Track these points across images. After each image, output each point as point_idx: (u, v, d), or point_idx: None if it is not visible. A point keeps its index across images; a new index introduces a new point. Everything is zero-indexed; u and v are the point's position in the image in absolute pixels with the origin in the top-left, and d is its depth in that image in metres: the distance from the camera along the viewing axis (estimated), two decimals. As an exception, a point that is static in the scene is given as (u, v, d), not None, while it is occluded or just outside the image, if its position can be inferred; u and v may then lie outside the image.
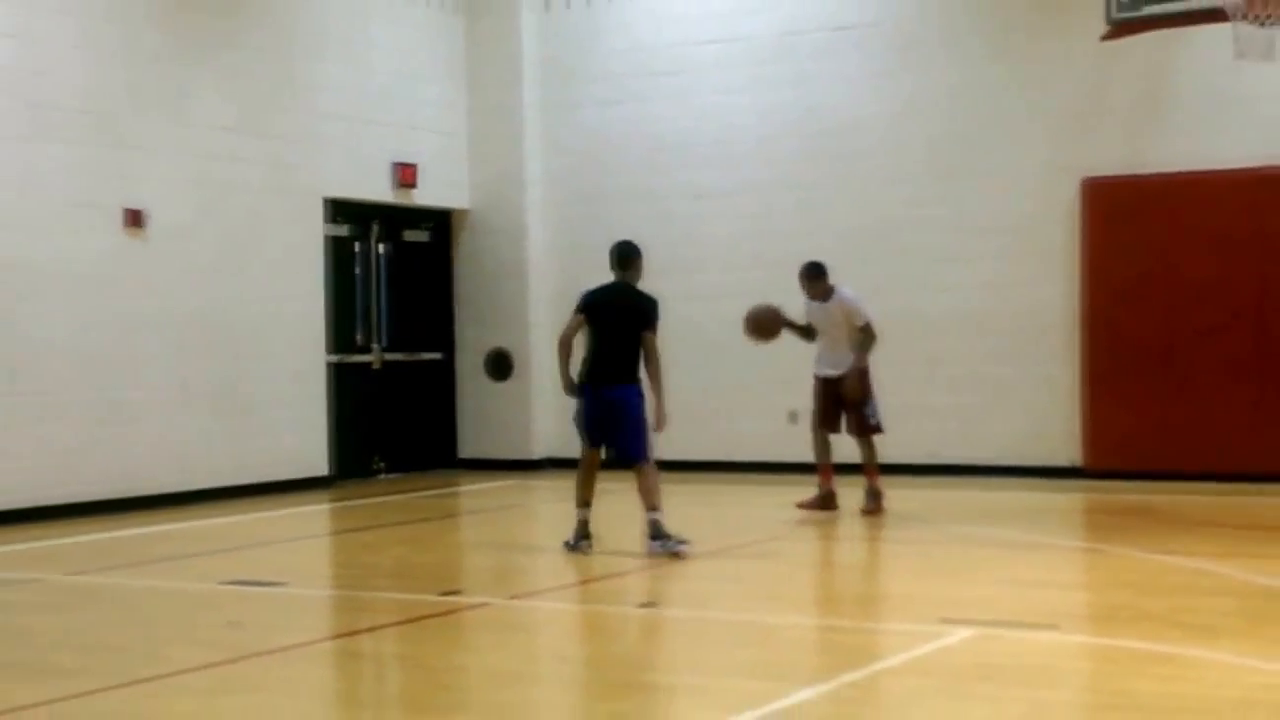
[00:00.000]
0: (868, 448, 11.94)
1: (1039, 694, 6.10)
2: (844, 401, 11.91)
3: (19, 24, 12.51)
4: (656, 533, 9.83)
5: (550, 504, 14.12)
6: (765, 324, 11.84)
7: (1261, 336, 13.60)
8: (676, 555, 9.67)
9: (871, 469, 11.92)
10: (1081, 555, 10.39)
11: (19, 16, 12.50)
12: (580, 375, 10.14)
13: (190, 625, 8.20)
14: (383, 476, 16.00)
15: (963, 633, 7.13)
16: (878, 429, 11.92)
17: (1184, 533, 10.70)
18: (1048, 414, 14.35)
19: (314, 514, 13.48)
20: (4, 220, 12.33)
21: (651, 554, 9.74)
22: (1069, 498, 13.10)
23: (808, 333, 12.14)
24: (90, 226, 13.04)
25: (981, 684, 6.23)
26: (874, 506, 11.78)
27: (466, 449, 16.86)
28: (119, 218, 13.24)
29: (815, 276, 12.10)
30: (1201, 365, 13.76)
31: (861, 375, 11.88)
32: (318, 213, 15.20)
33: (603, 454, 10.24)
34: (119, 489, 13.04)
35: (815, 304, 12.07)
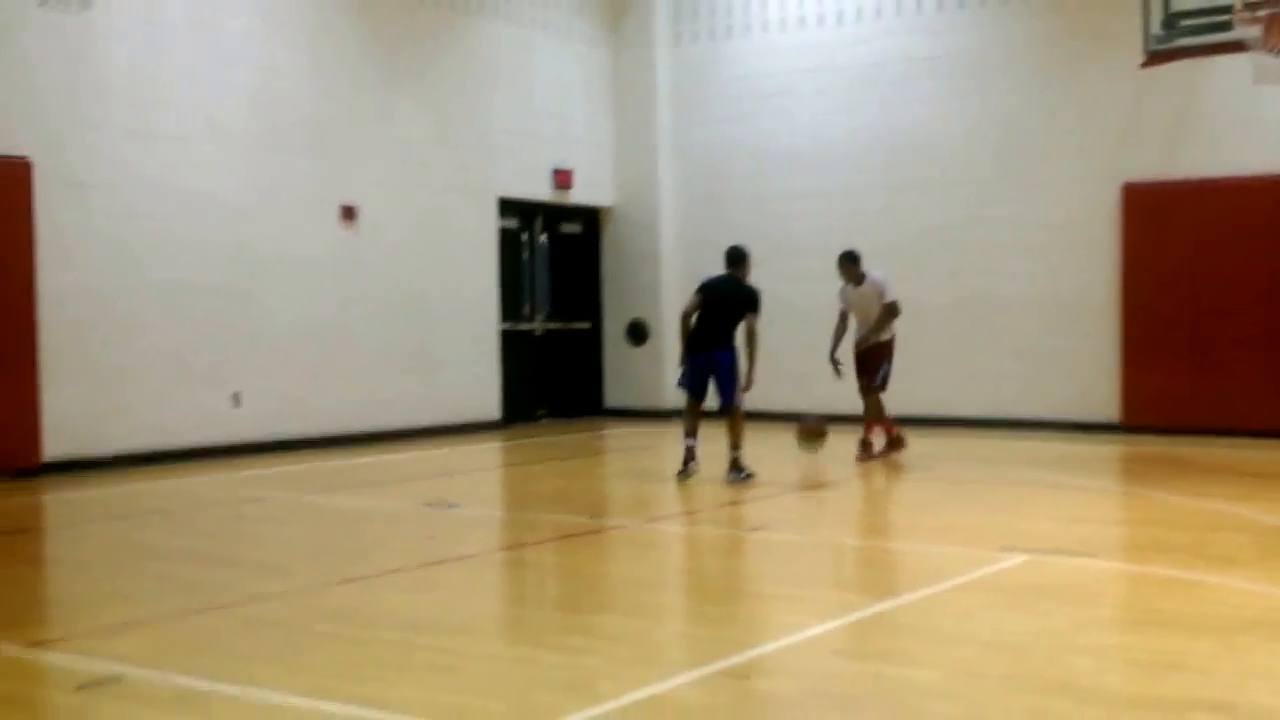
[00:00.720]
0: (870, 404, 11.67)
1: (1081, 610, 6.01)
2: (864, 364, 11.66)
3: (262, 58, 12.70)
4: (735, 466, 10.21)
5: (677, 446, 14.13)
6: (813, 432, 11.39)
7: (1273, 316, 13.23)
8: (746, 483, 10.05)
9: (869, 421, 11.69)
10: (1118, 497, 10.19)
11: (262, 52, 12.71)
12: (686, 343, 10.51)
13: (393, 537, 8.34)
14: (543, 421, 16.10)
15: (1017, 558, 7.04)
16: (879, 388, 11.61)
17: (1206, 479, 10.44)
18: (1092, 378, 14.08)
19: (488, 450, 13.60)
20: (245, 215, 12.56)
21: (730, 482, 10.10)
22: (1108, 449, 12.84)
23: (836, 368, 11.89)
24: (313, 220, 13.25)
25: (1033, 600, 6.15)
26: (863, 455, 11.54)
27: (610, 400, 16.92)
28: (336, 213, 13.43)
29: (851, 263, 11.81)
30: (1222, 339, 13.41)
31: (880, 345, 11.58)
32: (492, 209, 15.30)
33: (704, 404, 10.54)
34: (337, 428, 13.26)
35: (850, 287, 11.79)
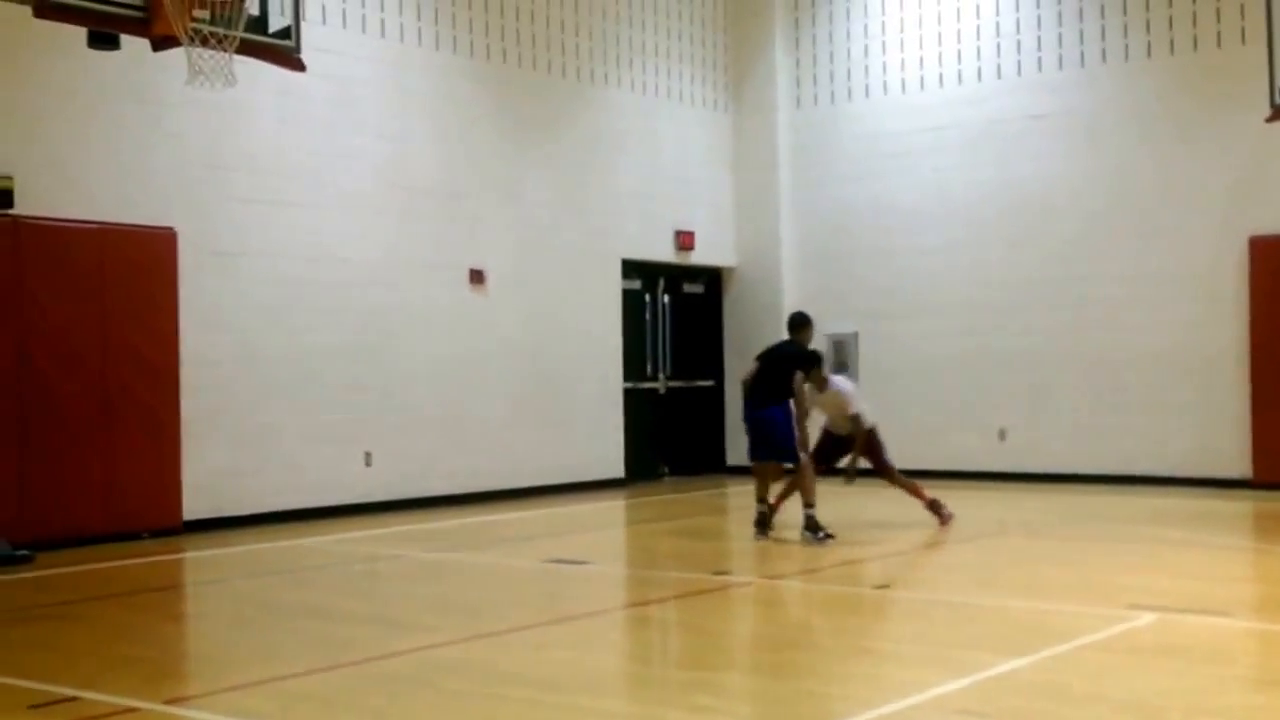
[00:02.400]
0: (899, 482, 11.06)
1: (1214, 670, 5.82)
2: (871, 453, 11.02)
3: (394, 128, 13.06)
4: (809, 525, 9.99)
5: (799, 504, 14.03)
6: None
7: None
8: (823, 544, 9.78)
9: (915, 492, 11.05)
10: (1250, 554, 9.87)
11: (395, 122, 13.06)
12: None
13: (520, 593, 8.41)
14: (666, 478, 16.13)
15: (1147, 617, 6.85)
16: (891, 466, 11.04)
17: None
18: (1219, 433, 13.68)
19: (612, 507, 13.66)
20: (379, 278, 12.86)
21: (805, 543, 9.90)
22: (1240, 505, 12.44)
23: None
24: (443, 282, 13.52)
25: (1165, 660, 5.98)
26: (943, 519, 10.84)
27: (733, 457, 16.84)
28: (465, 275, 13.69)
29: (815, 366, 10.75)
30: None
31: (871, 431, 10.95)
32: (616, 270, 15.46)
33: (773, 464, 10.59)
34: (465, 485, 13.44)
35: (814, 392, 10.77)
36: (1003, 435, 14.85)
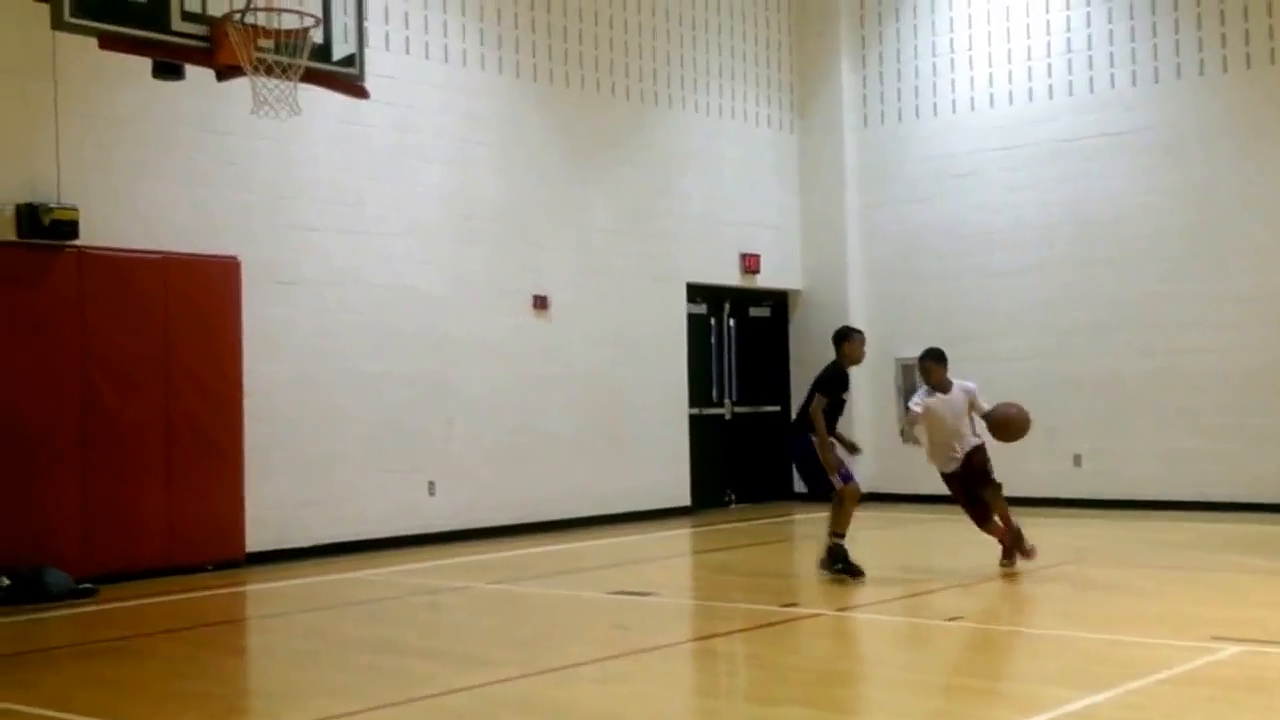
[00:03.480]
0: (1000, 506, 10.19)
1: (1307, 708, 5.69)
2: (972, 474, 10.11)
3: (455, 154, 13.16)
4: (831, 555, 9.69)
5: (871, 531, 13.91)
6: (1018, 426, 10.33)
7: None
8: (840, 580, 9.49)
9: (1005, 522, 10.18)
10: (1342, 584, 9.63)
11: (458, 148, 13.15)
12: None
13: (585, 626, 8.40)
14: (732, 506, 16.07)
15: (1232, 649, 6.71)
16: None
17: None
18: (1304, 457, 13.44)
19: (678, 536, 13.61)
20: (441, 305, 12.94)
21: (820, 577, 9.67)
22: (1327, 532, 12.18)
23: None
24: (506, 309, 13.58)
25: (1251, 695, 5.84)
26: (1010, 559, 10.00)
27: (800, 484, 16.75)
28: (528, 302, 13.74)
29: (938, 363, 10.40)
30: None
31: (980, 447, 10.23)
32: (681, 294, 15.46)
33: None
34: (528, 514, 13.45)
35: (930, 392, 10.29)
36: (1078, 461, 14.64)
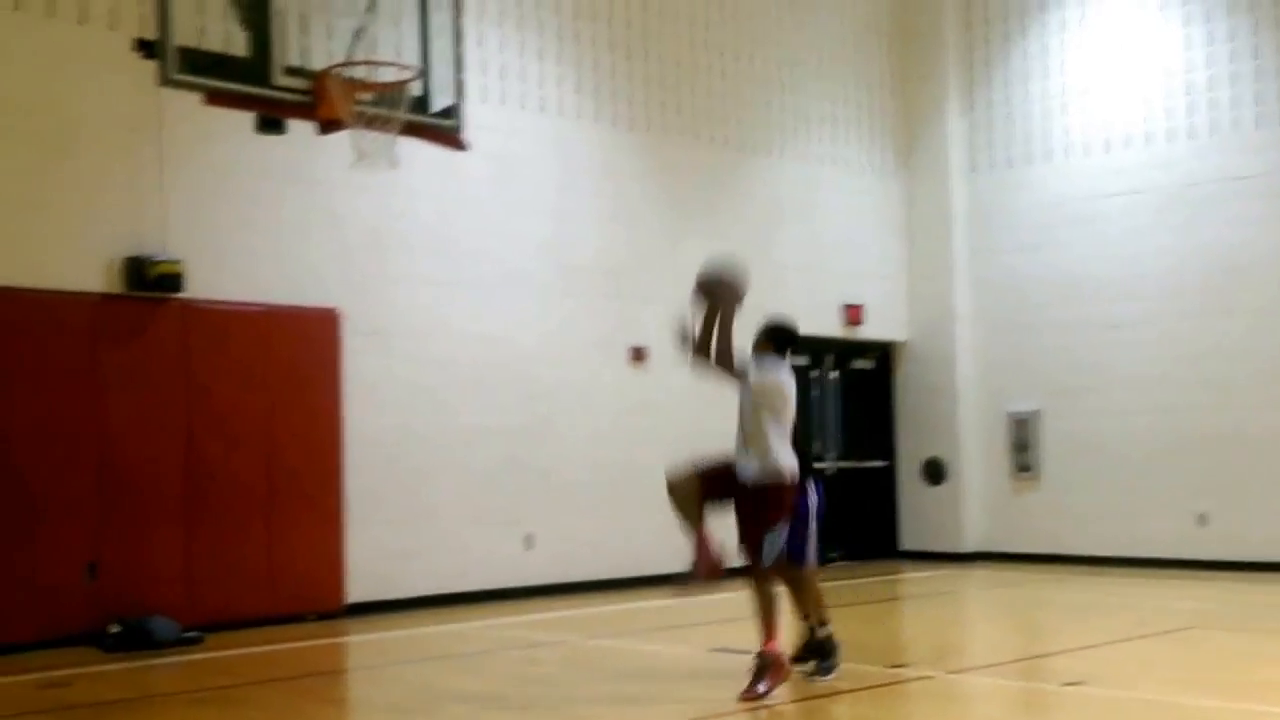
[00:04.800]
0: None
1: None
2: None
3: (554, 205, 13.38)
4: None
5: (981, 591, 13.79)
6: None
7: None
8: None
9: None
10: None
11: (554, 200, 13.38)
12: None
13: (685, 684, 8.41)
14: (836, 564, 15.97)
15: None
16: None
17: None
18: None
19: (780, 594, 13.54)
20: (538, 359, 13.10)
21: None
22: None
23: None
24: (603, 360, 13.71)
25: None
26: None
27: (906, 542, 16.65)
28: (626, 354, 13.87)
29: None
30: None
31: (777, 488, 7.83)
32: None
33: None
34: (626, 570, 13.49)
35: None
36: (1202, 520, 14.36)
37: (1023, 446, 15.72)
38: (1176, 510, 14.46)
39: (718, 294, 8.08)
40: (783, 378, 8.00)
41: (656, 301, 14.19)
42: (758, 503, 7.74)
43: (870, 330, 16.34)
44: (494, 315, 12.82)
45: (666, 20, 14.49)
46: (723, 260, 8.37)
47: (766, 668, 7.74)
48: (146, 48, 8.71)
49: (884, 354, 16.85)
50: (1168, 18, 14.97)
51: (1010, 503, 15.85)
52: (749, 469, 7.75)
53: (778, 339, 8.19)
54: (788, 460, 7.75)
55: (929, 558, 16.04)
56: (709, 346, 8.03)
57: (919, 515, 16.50)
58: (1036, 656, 9.08)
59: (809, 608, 8.43)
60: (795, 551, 8.25)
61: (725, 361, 7.95)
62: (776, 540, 7.83)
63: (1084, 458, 15.18)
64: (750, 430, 7.80)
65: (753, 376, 7.92)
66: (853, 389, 16.56)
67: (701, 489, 7.87)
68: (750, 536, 7.81)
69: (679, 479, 7.94)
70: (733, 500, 7.85)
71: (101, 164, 10.40)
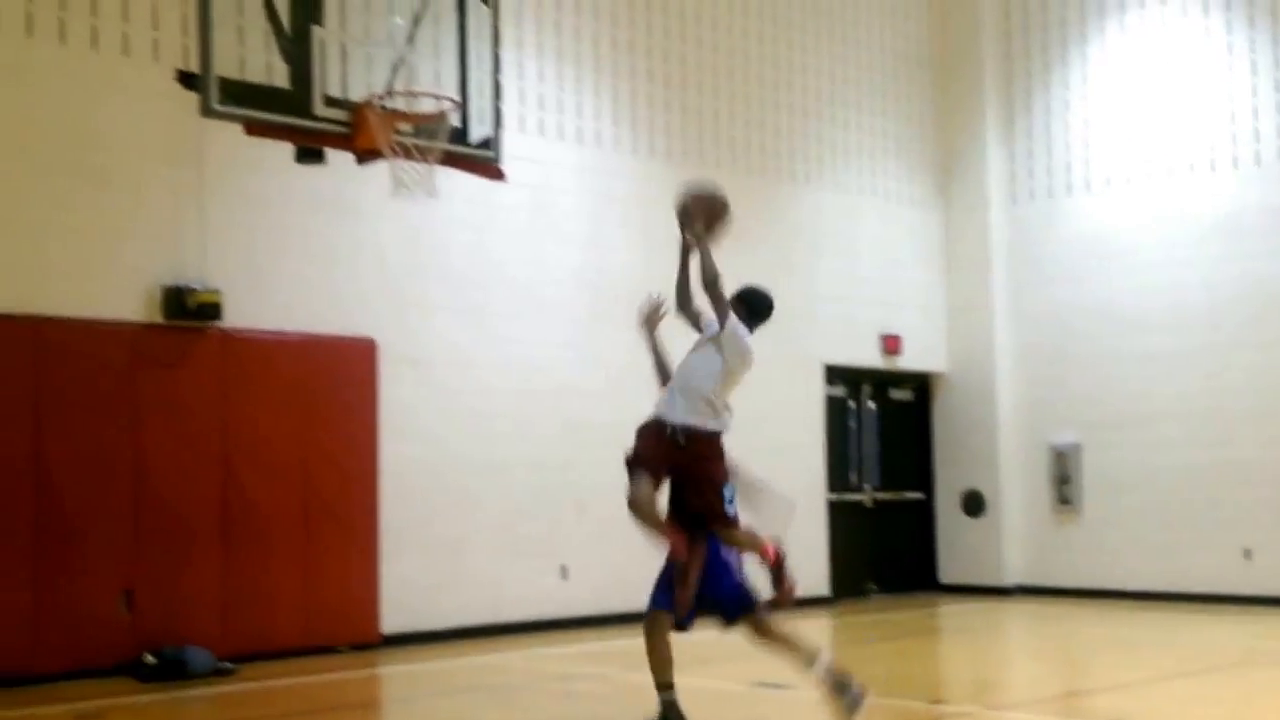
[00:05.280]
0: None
1: None
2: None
3: (588, 235, 13.46)
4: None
5: (1022, 625, 13.71)
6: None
7: None
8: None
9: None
10: None
11: (590, 229, 13.46)
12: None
13: (725, 719, 8.39)
14: (874, 597, 15.93)
15: None
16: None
17: None
18: None
19: (817, 627, 13.52)
20: (572, 389, 13.13)
21: None
22: None
23: None
24: (638, 391, 13.65)
25: None
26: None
27: (945, 575, 16.57)
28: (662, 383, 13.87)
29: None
30: None
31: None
32: (818, 376, 15.50)
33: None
34: (661, 603, 13.48)
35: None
36: (1248, 554, 14.23)
37: (1063, 479, 15.64)
38: (1221, 544, 14.34)
39: (696, 216, 7.65)
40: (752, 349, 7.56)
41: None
42: (710, 455, 7.34)
43: (908, 361, 16.33)
44: (530, 345, 12.88)
45: (705, 51, 14.58)
46: (698, 181, 8.02)
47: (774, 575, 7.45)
48: (188, 79, 8.81)
49: (922, 385, 16.83)
50: (1211, 47, 14.94)
51: (1051, 536, 15.77)
52: (694, 420, 7.39)
53: (751, 307, 7.82)
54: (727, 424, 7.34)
55: (968, 591, 15.96)
56: (689, 290, 7.69)
57: (958, 548, 16.43)
58: (1078, 693, 9.03)
59: (796, 654, 7.50)
60: (736, 601, 7.55)
61: (713, 292, 7.48)
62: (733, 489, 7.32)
63: (1126, 491, 15.09)
64: (707, 390, 7.49)
65: (737, 338, 7.57)
66: (890, 420, 16.54)
67: (654, 482, 7.32)
68: (710, 493, 7.31)
69: (640, 492, 7.36)
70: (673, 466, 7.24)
71: (143, 194, 10.56)
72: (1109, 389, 15.38)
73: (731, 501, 7.31)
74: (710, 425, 7.39)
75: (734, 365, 7.51)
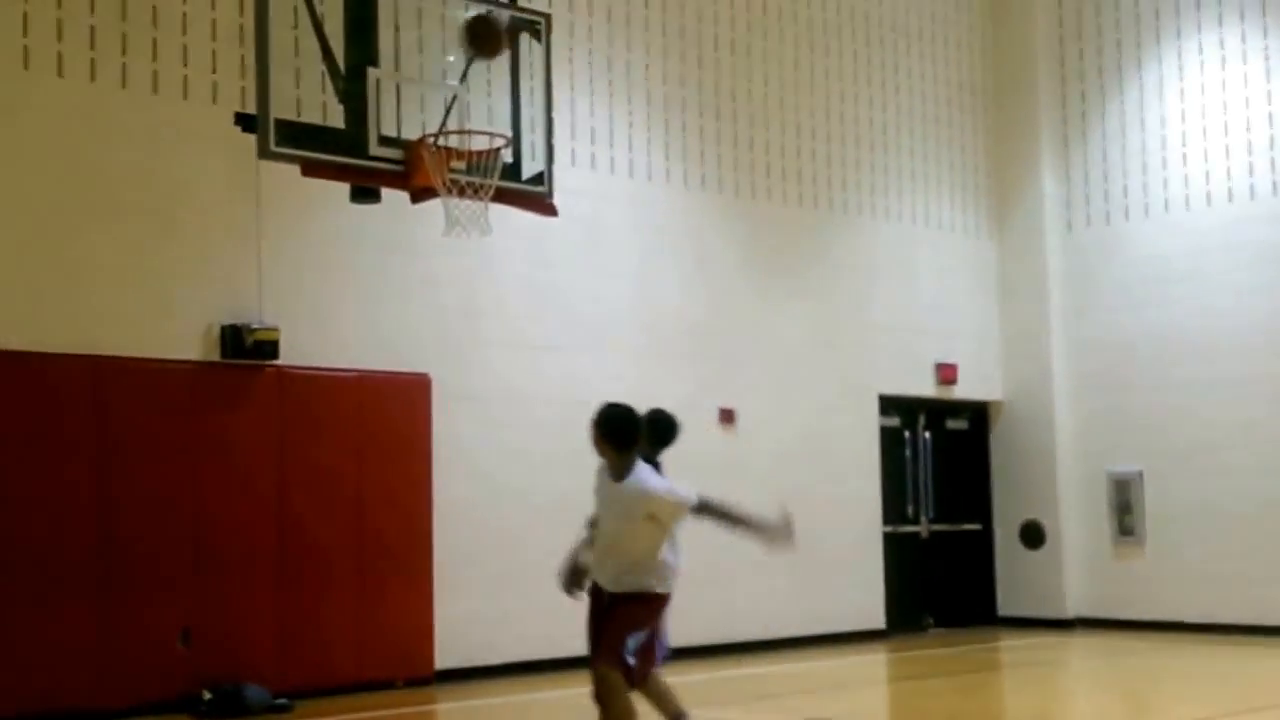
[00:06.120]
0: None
1: None
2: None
3: (641, 268, 13.59)
4: None
5: (1083, 659, 13.65)
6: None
7: None
8: None
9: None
10: None
11: (641, 262, 13.59)
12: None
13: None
14: (931, 631, 15.89)
15: None
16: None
17: None
18: None
19: (874, 662, 13.54)
20: (627, 420, 13.25)
21: None
22: None
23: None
24: (693, 423, 13.73)
25: None
26: None
27: (1004, 608, 16.50)
28: (714, 416, 14.00)
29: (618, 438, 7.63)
30: None
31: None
32: (873, 407, 15.53)
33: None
34: (714, 636, 13.52)
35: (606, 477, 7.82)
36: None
37: (1125, 509, 15.58)
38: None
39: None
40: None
41: (746, 363, 14.34)
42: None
43: (964, 390, 16.33)
44: (583, 379, 13.00)
45: (755, 82, 14.71)
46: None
47: None
48: (245, 121, 9.04)
49: (978, 414, 16.81)
50: (1270, 69, 14.91)
51: (1112, 567, 15.69)
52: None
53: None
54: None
55: (1028, 624, 15.89)
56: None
57: (1017, 580, 16.36)
58: (1141, 729, 9.02)
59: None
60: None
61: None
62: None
63: (1190, 520, 14.99)
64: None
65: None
66: (946, 450, 16.54)
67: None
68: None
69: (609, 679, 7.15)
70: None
71: (202, 234, 10.81)
72: (1171, 417, 15.29)
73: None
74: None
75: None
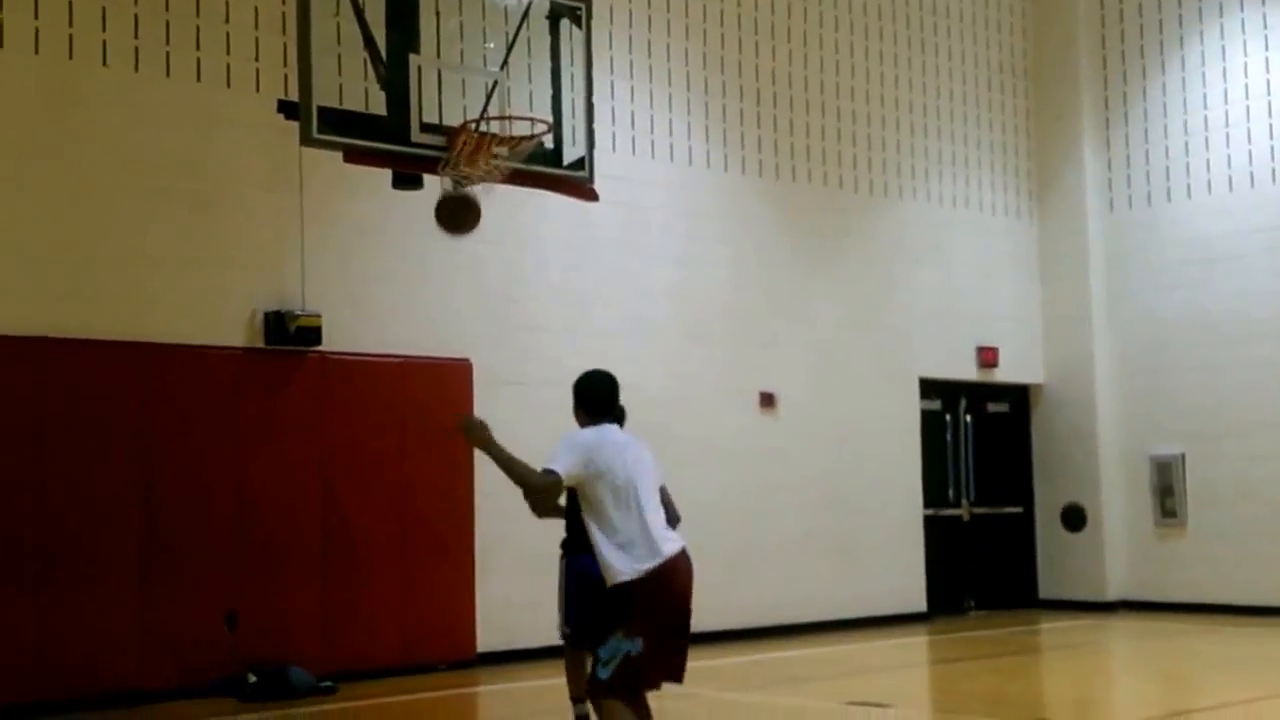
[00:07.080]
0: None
1: None
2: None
3: (682, 253, 13.59)
4: None
5: (1124, 642, 13.60)
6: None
7: None
8: None
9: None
10: None
11: (682, 247, 13.59)
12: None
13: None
14: (972, 614, 15.85)
15: None
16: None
17: None
18: None
19: (914, 645, 13.52)
20: (665, 402, 13.19)
21: None
22: None
23: None
24: (732, 408, 13.84)
25: None
26: None
27: (1045, 590, 16.45)
28: (755, 400, 13.99)
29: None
30: None
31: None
32: (913, 390, 15.49)
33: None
34: (755, 619, 13.56)
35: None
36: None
37: (1166, 491, 15.48)
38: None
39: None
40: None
41: (786, 347, 14.32)
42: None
43: (1005, 373, 16.26)
44: (623, 363, 12.85)
45: (795, 65, 14.66)
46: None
47: None
48: (288, 109, 9.07)
49: (1019, 397, 16.73)
50: (1313, 49, 14.75)
51: (1154, 549, 15.60)
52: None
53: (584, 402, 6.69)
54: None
55: (1069, 607, 15.83)
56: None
57: (1058, 563, 16.30)
58: (1184, 712, 8.97)
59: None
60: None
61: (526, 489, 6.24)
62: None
63: (1232, 503, 14.89)
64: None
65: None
66: (987, 433, 16.47)
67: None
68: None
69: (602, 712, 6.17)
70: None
71: (245, 222, 10.89)
72: (1213, 398, 15.19)
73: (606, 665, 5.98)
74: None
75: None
